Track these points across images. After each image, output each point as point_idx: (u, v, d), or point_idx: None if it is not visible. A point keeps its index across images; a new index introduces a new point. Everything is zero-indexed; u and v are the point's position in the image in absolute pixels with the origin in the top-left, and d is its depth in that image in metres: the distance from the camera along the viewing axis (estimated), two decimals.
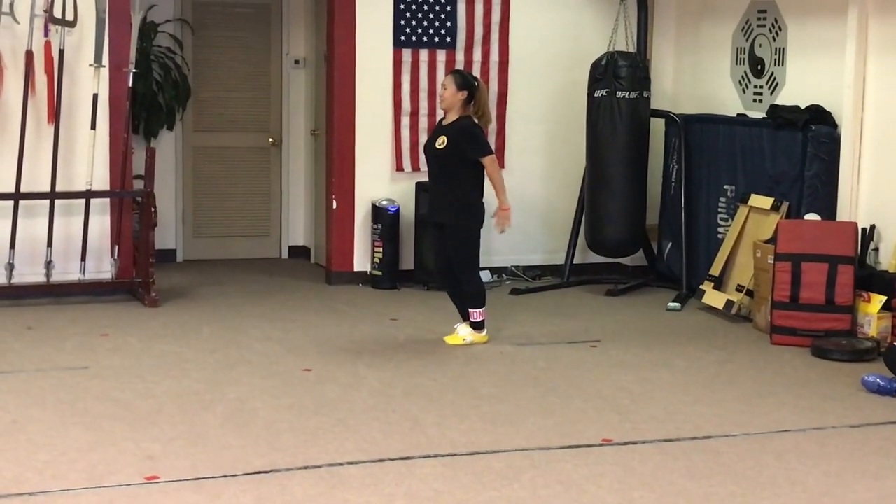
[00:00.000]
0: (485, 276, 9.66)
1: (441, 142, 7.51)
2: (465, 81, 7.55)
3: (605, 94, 9.28)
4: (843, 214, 8.16)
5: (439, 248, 7.76)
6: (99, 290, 8.87)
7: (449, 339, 7.70)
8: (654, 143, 9.63)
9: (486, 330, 7.75)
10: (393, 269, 9.55)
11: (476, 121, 7.58)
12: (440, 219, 7.63)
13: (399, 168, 9.68)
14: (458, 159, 7.47)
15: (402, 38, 9.59)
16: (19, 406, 6.18)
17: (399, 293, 9.41)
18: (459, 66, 9.67)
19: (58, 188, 8.66)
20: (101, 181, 8.86)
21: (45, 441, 5.63)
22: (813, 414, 6.34)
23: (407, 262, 9.62)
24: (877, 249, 8.00)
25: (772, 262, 7.95)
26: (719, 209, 9.19)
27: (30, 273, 8.71)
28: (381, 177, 9.60)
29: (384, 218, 9.47)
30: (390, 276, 9.54)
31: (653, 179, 9.70)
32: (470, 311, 7.67)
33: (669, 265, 9.66)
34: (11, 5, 8.42)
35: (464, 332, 7.70)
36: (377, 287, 9.50)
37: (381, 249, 9.49)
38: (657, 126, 9.69)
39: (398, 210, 9.53)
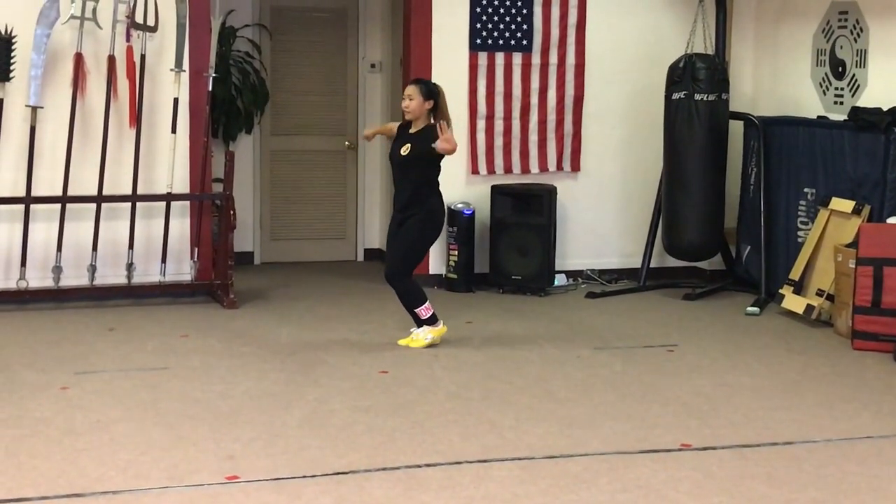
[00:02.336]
0: (560, 279, 9.72)
1: (406, 149, 7.54)
2: (430, 91, 7.60)
3: (683, 96, 9.21)
4: None
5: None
6: (179, 292, 8.97)
7: (406, 342, 7.67)
8: (732, 146, 9.54)
9: (440, 321, 7.69)
10: (468, 272, 9.56)
11: None
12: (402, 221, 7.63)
13: (475, 171, 9.68)
14: (423, 166, 7.52)
15: (479, 41, 9.60)
16: (102, 406, 6.27)
17: (474, 296, 9.41)
18: (535, 69, 9.69)
19: (139, 191, 8.77)
20: (182, 184, 8.96)
21: (127, 440, 5.70)
22: None
23: (482, 265, 9.62)
24: None
25: (853, 266, 7.85)
26: (799, 212, 9.09)
27: (111, 275, 8.83)
28: (457, 180, 9.60)
29: (459, 221, 9.48)
30: (465, 279, 9.55)
31: (731, 182, 9.61)
32: (416, 311, 7.61)
33: (748, 269, 9.56)
34: (94, 11, 8.53)
35: (422, 333, 7.64)
36: (452, 290, 9.51)
37: (456, 252, 9.50)
38: (736, 128, 9.61)
39: (473, 213, 9.53)
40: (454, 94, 9.56)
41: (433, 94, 7.60)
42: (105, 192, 8.69)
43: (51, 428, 5.88)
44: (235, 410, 6.22)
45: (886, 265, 7.68)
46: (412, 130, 7.62)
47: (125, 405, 6.28)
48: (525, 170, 9.80)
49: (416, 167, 7.53)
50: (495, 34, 9.63)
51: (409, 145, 7.55)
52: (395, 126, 7.86)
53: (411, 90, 7.60)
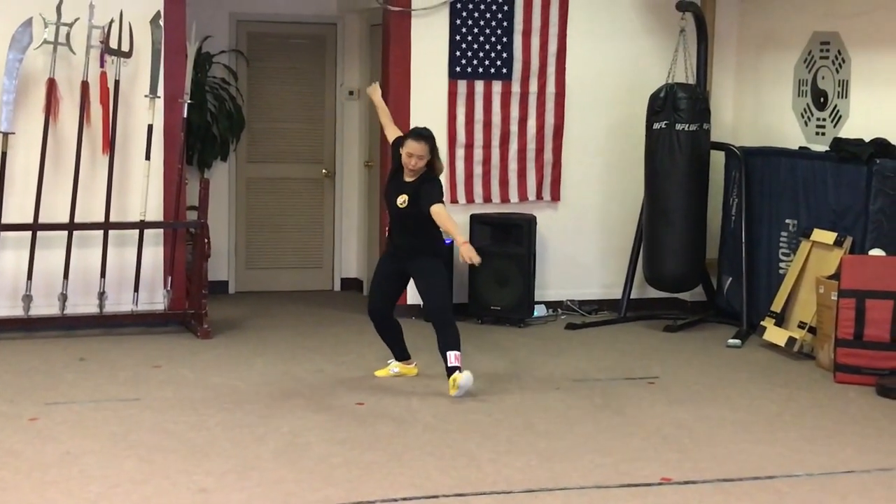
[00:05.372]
0: (540, 309, 9.66)
1: (403, 201, 7.26)
2: (434, 145, 7.34)
3: (664, 126, 9.18)
4: None
5: (385, 289, 7.53)
6: (151, 322, 8.87)
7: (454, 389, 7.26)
8: (713, 177, 9.52)
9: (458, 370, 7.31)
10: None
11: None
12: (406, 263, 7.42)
13: (454, 200, 9.60)
14: (423, 215, 7.23)
15: (458, 68, 9.55)
16: (72, 437, 6.17)
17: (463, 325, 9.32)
18: (515, 97, 9.64)
19: (112, 219, 8.68)
20: (155, 212, 8.86)
21: (97, 473, 5.62)
22: (878, 454, 6.20)
23: (461, 295, 9.52)
24: None
25: (835, 298, 7.80)
26: (781, 244, 9.05)
27: (83, 304, 8.72)
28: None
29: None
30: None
31: (712, 213, 9.57)
32: (452, 353, 7.20)
33: (729, 301, 9.51)
34: (68, 36, 8.46)
35: (463, 380, 7.20)
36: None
37: None
38: (717, 159, 9.58)
39: (452, 242, 9.44)
40: (433, 122, 9.44)
41: (435, 147, 7.35)
42: (77, 219, 8.59)
43: (19, 460, 5.78)
44: (208, 442, 6.13)
45: (869, 297, 7.64)
46: (408, 179, 7.31)
47: (96, 437, 6.19)
48: (504, 199, 9.73)
49: (416, 216, 7.26)
50: (475, 62, 9.58)
51: (405, 197, 7.26)
52: (389, 125, 7.79)
53: (422, 149, 7.21)
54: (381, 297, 7.54)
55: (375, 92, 8.00)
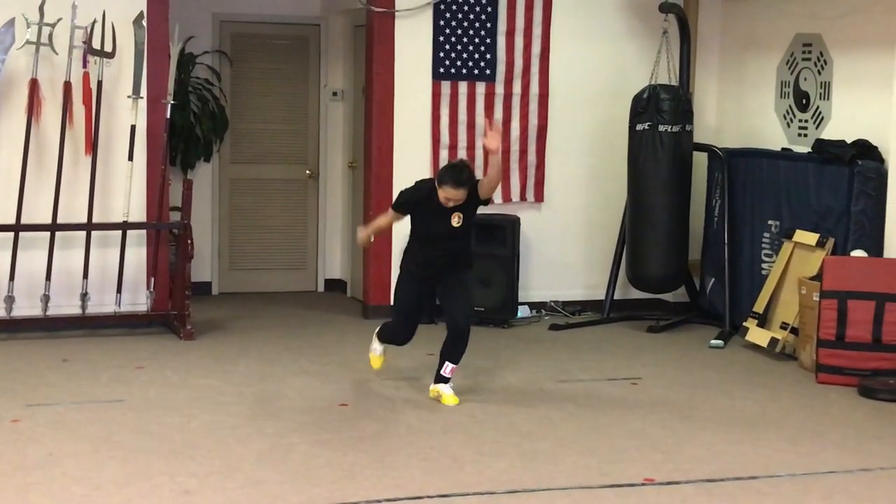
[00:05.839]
0: (523, 310, 9.66)
1: (458, 220, 6.95)
2: (473, 179, 6.96)
3: (647, 127, 9.19)
4: (890, 251, 8.02)
5: (416, 316, 7.33)
6: (134, 323, 8.84)
7: (448, 400, 7.08)
8: (696, 178, 9.54)
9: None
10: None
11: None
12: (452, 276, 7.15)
13: None
14: (470, 223, 7.04)
15: (442, 69, 9.55)
16: (55, 439, 6.14)
17: (436, 328, 9.27)
18: (499, 98, 9.64)
19: (95, 220, 8.65)
20: (138, 213, 8.83)
21: (80, 475, 5.59)
22: (860, 455, 6.22)
23: None
24: None
25: (817, 299, 7.82)
26: (763, 245, 9.07)
27: (65, 305, 8.69)
28: None
29: None
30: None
31: (695, 214, 9.59)
32: (457, 365, 7.15)
33: (712, 301, 9.53)
34: (51, 36, 8.42)
35: (448, 391, 7.11)
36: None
37: None
38: (700, 160, 9.60)
39: None
40: (417, 124, 9.54)
41: (474, 180, 6.96)
42: (60, 220, 8.55)
43: (1, 462, 5.76)
44: (192, 444, 6.11)
45: (850, 298, 7.66)
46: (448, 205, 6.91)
47: (79, 438, 6.17)
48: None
49: (465, 229, 7.03)
50: (458, 63, 9.58)
51: (459, 215, 6.93)
52: (395, 215, 7.23)
53: (461, 195, 6.82)
54: (411, 325, 7.28)
55: (364, 234, 7.53)
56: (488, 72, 9.64)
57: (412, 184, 7.26)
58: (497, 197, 9.71)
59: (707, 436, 6.50)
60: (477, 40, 9.61)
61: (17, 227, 8.45)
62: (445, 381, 7.08)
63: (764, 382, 7.77)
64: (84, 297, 8.65)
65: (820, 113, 8.87)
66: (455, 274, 7.11)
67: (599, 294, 9.85)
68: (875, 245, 8.09)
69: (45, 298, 8.56)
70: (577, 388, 7.53)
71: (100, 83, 8.59)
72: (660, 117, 9.15)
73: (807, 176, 8.58)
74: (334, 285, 10.83)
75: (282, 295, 10.57)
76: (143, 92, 8.75)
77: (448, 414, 6.81)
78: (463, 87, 9.61)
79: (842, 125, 8.61)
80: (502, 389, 7.43)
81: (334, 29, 10.70)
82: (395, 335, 7.38)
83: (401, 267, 7.30)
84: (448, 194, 6.84)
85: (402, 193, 7.19)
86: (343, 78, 10.70)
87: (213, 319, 9.32)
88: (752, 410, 7.08)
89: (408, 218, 7.19)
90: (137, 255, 8.89)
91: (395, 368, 7.88)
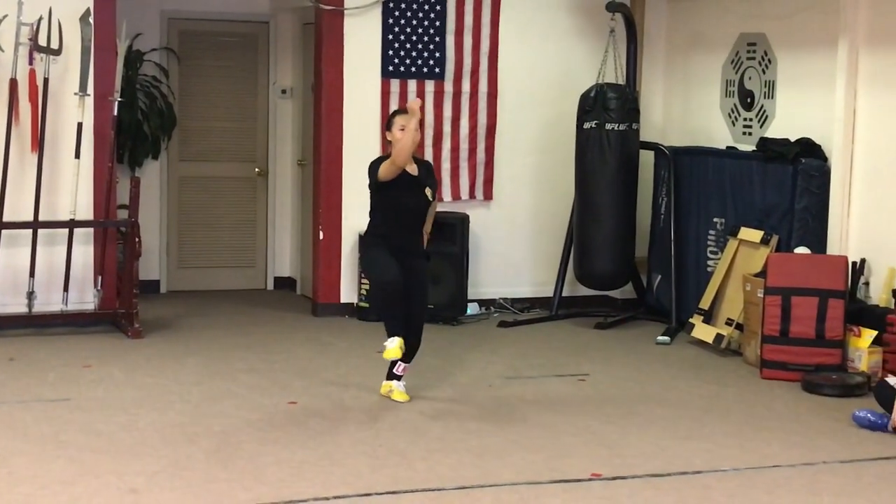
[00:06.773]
0: (473, 307, 9.69)
1: (430, 192, 7.06)
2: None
3: (594, 125, 9.24)
4: (833, 248, 8.13)
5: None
6: (82, 322, 8.78)
7: (399, 396, 7.09)
8: (643, 176, 9.59)
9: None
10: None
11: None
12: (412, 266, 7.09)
13: None
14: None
15: (391, 68, 9.56)
16: (1, 438, 6.09)
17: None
18: (448, 97, 9.67)
19: (41, 217, 8.58)
20: (85, 211, 8.78)
21: (27, 474, 5.55)
22: (803, 449, 6.29)
23: None
24: (867, 283, 7.97)
25: (762, 295, 7.91)
26: (709, 242, 9.15)
27: (12, 303, 8.63)
28: (368, 208, 9.50)
29: None
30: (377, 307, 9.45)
31: (642, 212, 9.66)
32: (410, 363, 7.19)
33: (658, 298, 9.60)
34: None
35: (402, 387, 7.14)
36: (364, 319, 9.42)
37: (367, 281, 9.40)
38: (646, 158, 9.67)
39: None
40: (366, 122, 9.54)
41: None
42: (5, 218, 8.48)
43: None
44: (139, 442, 6.09)
45: (794, 295, 7.75)
46: (414, 173, 6.98)
47: (25, 438, 6.12)
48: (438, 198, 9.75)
49: (425, 210, 7.10)
50: (407, 61, 9.60)
51: (427, 189, 7.02)
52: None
53: (412, 121, 6.87)
54: (398, 268, 6.90)
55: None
56: (437, 70, 9.66)
57: (374, 158, 7.19)
58: (446, 195, 9.75)
59: (653, 431, 6.55)
60: (426, 39, 9.63)
61: None
62: (398, 378, 7.10)
63: (709, 378, 7.84)
64: (31, 295, 8.59)
65: (764, 111, 8.97)
66: (420, 261, 7.08)
67: (548, 291, 9.89)
68: (818, 242, 8.19)
69: None
70: (525, 384, 7.56)
71: (46, 80, 8.52)
72: (607, 116, 9.21)
73: (751, 174, 8.67)
74: (284, 283, 10.82)
75: (231, 293, 10.53)
76: (90, 89, 8.70)
77: (397, 411, 6.82)
78: (412, 85, 9.63)
79: (786, 124, 8.70)
80: (451, 386, 7.45)
81: (283, 26, 10.69)
82: (391, 302, 6.93)
83: (366, 240, 7.21)
84: (402, 121, 6.89)
85: (373, 165, 7.07)
86: (292, 76, 10.69)
87: (162, 318, 9.27)
88: (698, 405, 7.14)
89: (366, 199, 7.16)
90: (85, 253, 8.84)
91: (343, 365, 7.90)
